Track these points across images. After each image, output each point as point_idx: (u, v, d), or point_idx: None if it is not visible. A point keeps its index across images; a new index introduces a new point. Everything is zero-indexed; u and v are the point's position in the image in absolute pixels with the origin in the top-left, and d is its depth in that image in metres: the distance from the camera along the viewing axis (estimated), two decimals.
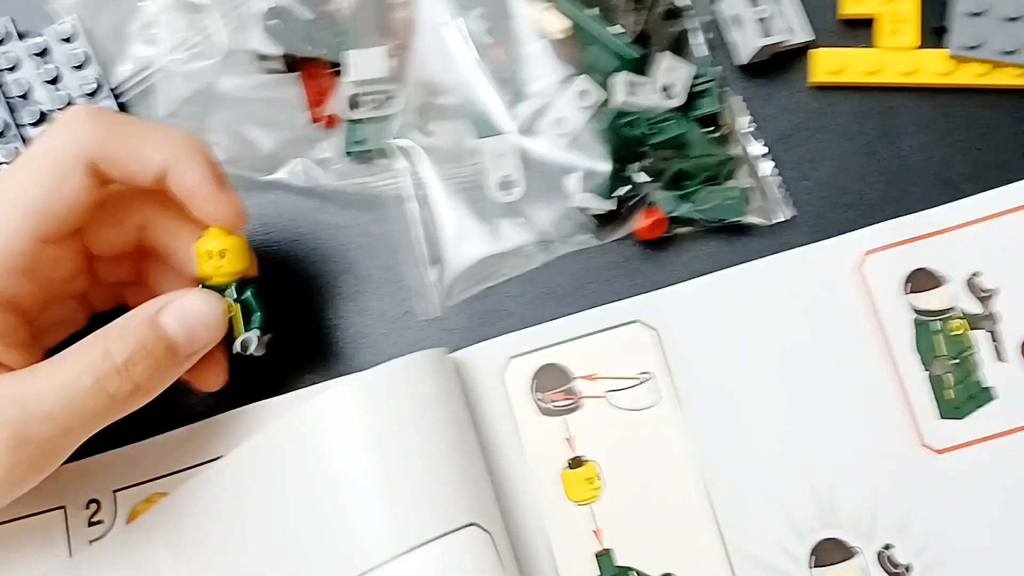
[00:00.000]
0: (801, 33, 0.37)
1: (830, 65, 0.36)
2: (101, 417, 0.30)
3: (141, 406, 0.31)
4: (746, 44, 0.36)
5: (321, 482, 0.32)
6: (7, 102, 0.39)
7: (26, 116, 0.39)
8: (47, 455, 0.30)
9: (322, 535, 0.32)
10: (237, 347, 0.33)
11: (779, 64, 0.37)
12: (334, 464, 0.32)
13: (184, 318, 0.31)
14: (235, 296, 0.33)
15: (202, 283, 0.33)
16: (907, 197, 0.36)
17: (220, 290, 0.32)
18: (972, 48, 0.35)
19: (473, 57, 0.36)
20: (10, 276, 0.30)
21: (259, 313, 0.33)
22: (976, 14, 0.35)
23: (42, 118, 0.39)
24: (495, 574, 0.31)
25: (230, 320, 0.32)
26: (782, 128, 0.37)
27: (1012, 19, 0.35)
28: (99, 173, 0.30)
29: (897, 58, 0.36)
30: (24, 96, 0.39)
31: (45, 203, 0.30)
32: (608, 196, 0.35)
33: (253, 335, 0.32)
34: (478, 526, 0.32)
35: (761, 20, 0.36)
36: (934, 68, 0.36)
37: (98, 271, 0.34)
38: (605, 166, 0.35)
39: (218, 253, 0.32)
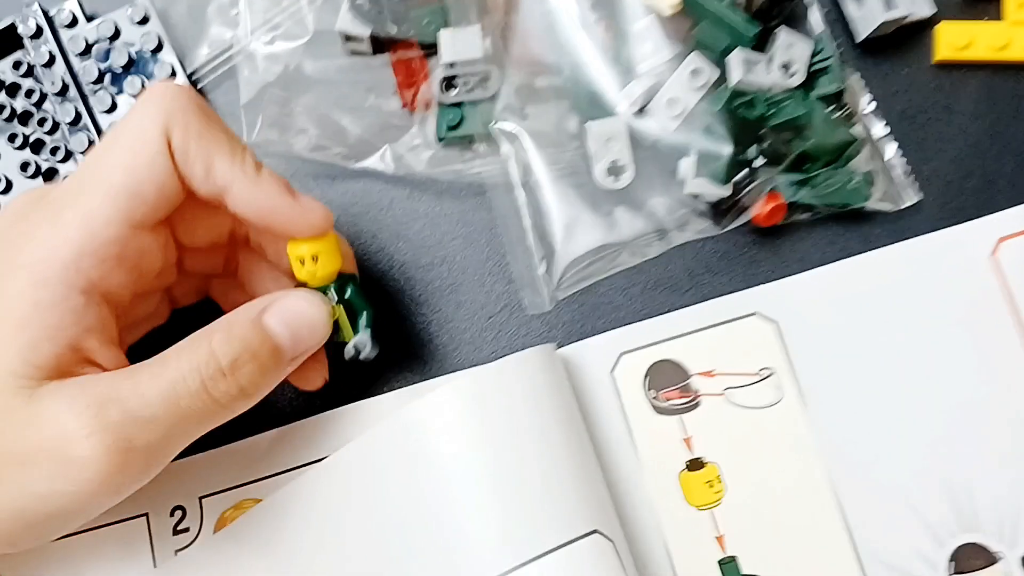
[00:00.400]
0: (924, 7, 0.35)
1: (956, 40, 0.34)
2: (205, 421, 0.28)
3: (243, 411, 0.29)
4: (866, 19, 0.34)
5: (431, 488, 0.30)
6: (79, 89, 0.37)
7: (97, 104, 0.37)
8: (149, 461, 0.28)
9: (432, 545, 0.30)
10: (350, 351, 0.31)
11: (899, 40, 0.35)
12: (444, 469, 0.30)
13: (289, 320, 0.29)
14: (336, 298, 0.31)
15: (298, 286, 0.31)
16: None
17: (322, 292, 0.31)
18: None
19: (578, 35, 0.34)
20: (105, 264, 0.28)
21: (366, 312, 0.31)
22: None
23: (114, 106, 0.37)
24: None
25: (335, 322, 0.31)
26: (904, 108, 0.35)
27: None
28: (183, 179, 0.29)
29: None
30: (97, 82, 0.37)
31: (136, 186, 0.28)
32: (724, 181, 0.33)
33: (366, 336, 0.31)
34: (600, 534, 0.30)
35: None
36: None
37: (185, 262, 0.33)
38: (721, 149, 0.33)
39: (310, 258, 0.30)
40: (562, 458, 0.31)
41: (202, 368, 0.28)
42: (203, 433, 0.29)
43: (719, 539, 0.32)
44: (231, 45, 0.37)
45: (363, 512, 0.31)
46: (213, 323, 0.29)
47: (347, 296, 0.31)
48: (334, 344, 0.31)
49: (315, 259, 0.30)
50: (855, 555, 0.32)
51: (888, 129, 0.35)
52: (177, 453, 0.29)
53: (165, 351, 0.28)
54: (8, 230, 0.29)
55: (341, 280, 0.31)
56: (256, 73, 0.36)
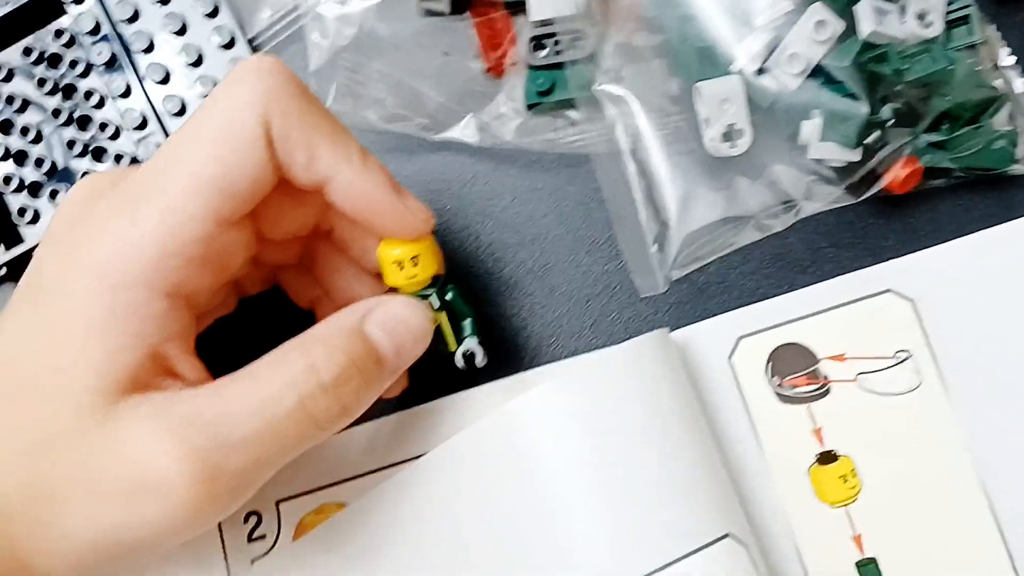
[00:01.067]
0: None
1: None
2: (302, 443, 0.26)
3: (341, 430, 0.26)
4: None
5: (541, 492, 0.28)
6: (129, 58, 0.34)
7: (150, 74, 0.34)
8: (240, 488, 0.25)
9: (544, 554, 0.27)
10: (460, 361, 0.28)
11: None
12: (555, 471, 0.28)
13: (392, 329, 0.27)
14: (438, 303, 0.28)
15: (389, 291, 0.28)
16: None
17: (420, 297, 0.28)
18: None
19: None
20: (191, 266, 0.25)
21: (470, 318, 0.28)
22: None
23: (167, 77, 0.34)
24: None
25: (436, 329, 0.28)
26: None
27: None
28: (273, 151, 0.26)
29: None
30: (147, 50, 0.34)
31: (227, 179, 0.25)
32: (854, 145, 0.30)
33: (474, 343, 0.28)
34: (733, 537, 0.28)
35: None
36: None
37: (262, 254, 0.30)
38: (851, 109, 0.30)
39: (409, 260, 0.27)
40: (684, 455, 0.28)
41: (300, 384, 0.25)
42: (297, 455, 0.26)
43: (856, 539, 0.30)
44: (296, 7, 0.34)
45: (463, 517, 0.29)
46: (307, 333, 0.26)
47: (448, 300, 0.28)
48: (434, 352, 0.28)
49: (414, 262, 0.27)
50: (1007, 554, 0.29)
51: None
52: (268, 478, 0.26)
53: (253, 364, 0.25)
54: (72, 223, 0.26)
55: (440, 284, 0.28)
56: (326, 37, 0.33)
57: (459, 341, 0.29)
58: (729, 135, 0.31)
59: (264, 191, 0.26)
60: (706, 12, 0.31)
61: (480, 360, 0.29)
